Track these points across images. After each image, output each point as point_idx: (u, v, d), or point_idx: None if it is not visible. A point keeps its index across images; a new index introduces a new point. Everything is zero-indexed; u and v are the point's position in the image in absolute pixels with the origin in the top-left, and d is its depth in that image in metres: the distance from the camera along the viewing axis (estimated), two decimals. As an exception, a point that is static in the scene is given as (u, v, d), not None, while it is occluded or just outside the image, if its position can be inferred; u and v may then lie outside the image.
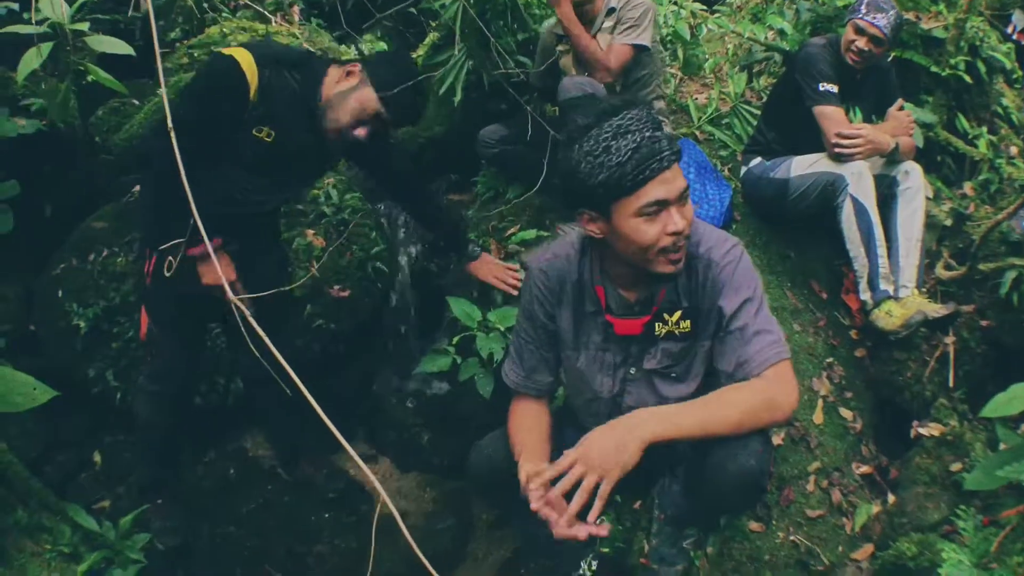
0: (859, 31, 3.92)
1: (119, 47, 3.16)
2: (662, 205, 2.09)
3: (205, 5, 5.15)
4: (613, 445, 1.99)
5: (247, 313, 1.72)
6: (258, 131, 2.86)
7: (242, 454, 4.19)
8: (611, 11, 3.99)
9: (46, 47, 3.29)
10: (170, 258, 2.95)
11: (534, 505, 2.08)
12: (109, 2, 5.07)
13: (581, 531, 2.01)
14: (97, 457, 4.12)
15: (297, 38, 5.50)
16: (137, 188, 3.17)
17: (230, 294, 1.80)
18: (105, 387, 4.02)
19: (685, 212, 2.13)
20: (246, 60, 2.80)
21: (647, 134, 2.05)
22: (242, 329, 1.79)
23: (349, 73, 2.91)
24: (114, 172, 4.57)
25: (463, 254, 3.83)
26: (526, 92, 4.39)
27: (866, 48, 3.92)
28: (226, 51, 2.85)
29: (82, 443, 4.18)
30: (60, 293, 4.09)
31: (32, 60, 3.25)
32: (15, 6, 3.88)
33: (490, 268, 3.82)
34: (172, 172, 2.85)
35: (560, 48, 4.08)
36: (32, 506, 2.72)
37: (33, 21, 3.39)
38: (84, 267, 4.12)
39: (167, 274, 2.94)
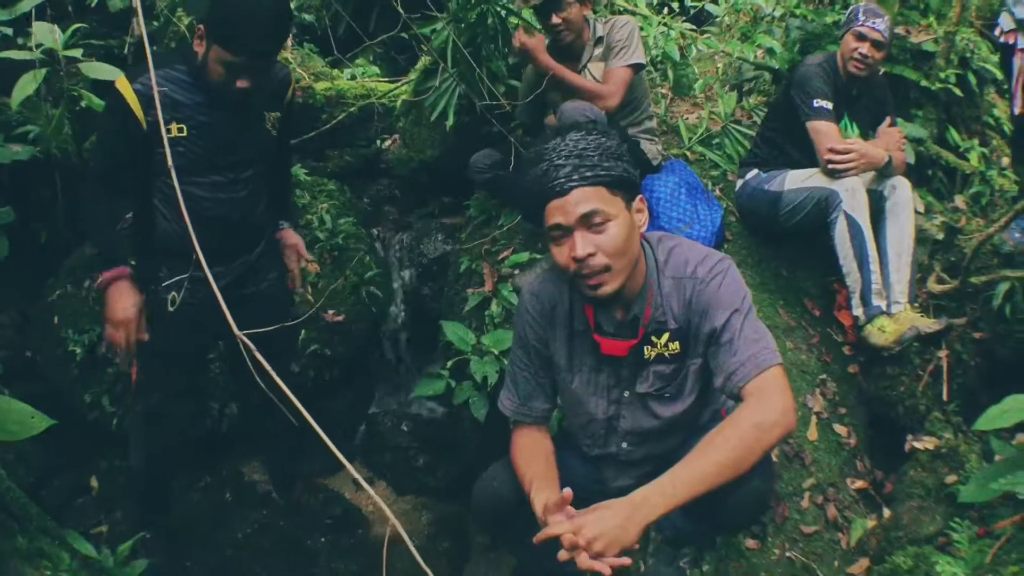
0: (861, 38, 3.97)
1: (112, 73, 3.17)
2: (564, 230, 2.14)
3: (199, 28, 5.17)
4: (615, 526, 1.93)
5: (253, 348, 1.71)
6: (168, 132, 2.82)
7: (238, 478, 4.18)
8: (599, 40, 4.03)
9: (41, 73, 3.31)
10: (173, 293, 2.96)
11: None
12: (103, 28, 5.09)
13: (604, 566, 1.98)
14: (94, 482, 4.11)
15: (290, 62, 5.54)
16: (129, 216, 3.17)
17: (236, 330, 1.77)
18: (101, 413, 4.03)
19: (594, 239, 2.13)
20: (122, 84, 2.80)
21: (556, 162, 2.12)
22: (247, 361, 1.78)
23: (199, 38, 2.83)
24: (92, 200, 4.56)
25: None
26: (513, 119, 4.41)
27: (869, 53, 3.96)
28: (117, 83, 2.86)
29: (79, 468, 4.17)
30: (56, 319, 4.12)
31: (27, 86, 3.28)
32: (8, 31, 3.90)
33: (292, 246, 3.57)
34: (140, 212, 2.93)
35: (546, 84, 4.07)
36: (31, 531, 2.71)
37: (33, 47, 3.42)
38: (79, 294, 4.14)
39: (171, 308, 2.95)
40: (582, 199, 2.11)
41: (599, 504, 2.01)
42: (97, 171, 2.94)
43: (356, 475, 1.55)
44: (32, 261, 4.27)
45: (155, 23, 5.40)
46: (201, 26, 2.79)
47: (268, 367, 1.67)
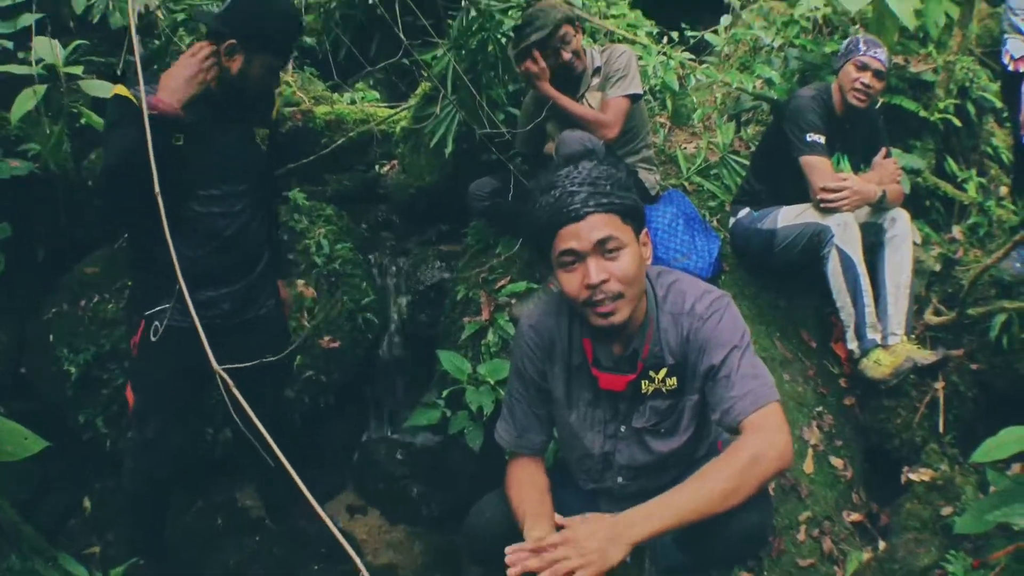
0: (863, 68, 3.96)
1: (109, 90, 3.18)
2: (576, 256, 2.14)
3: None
4: (603, 540, 1.93)
5: (231, 384, 1.71)
6: (176, 139, 2.86)
7: (231, 504, 4.17)
8: (597, 70, 4.06)
9: (41, 89, 3.31)
10: (156, 323, 2.96)
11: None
12: (104, 45, 5.09)
13: None
14: (87, 503, 4.12)
15: (290, 86, 5.56)
16: (127, 236, 3.17)
17: (215, 365, 1.78)
18: (95, 433, 4.03)
19: (608, 266, 2.14)
20: (120, 90, 2.85)
21: (570, 188, 2.12)
22: (224, 397, 1.78)
23: (228, 54, 2.92)
24: (104, 216, 4.58)
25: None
26: (512, 148, 4.43)
27: (871, 83, 3.96)
28: (112, 92, 2.91)
29: (72, 488, 4.17)
30: (51, 337, 4.12)
31: (27, 101, 3.28)
32: (9, 45, 3.90)
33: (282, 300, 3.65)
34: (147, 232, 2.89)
35: (545, 114, 4.08)
36: (24, 552, 2.70)
37: (33, 62, 3.42)
38: (75, 312, 4.14)
39: (152, 339, 2.94)
40: (598, 225, 2.11)
41: (587, 517, 2.02)
42: (106, 169, 2.88)
43: (315, 506, 1.53)
44: (29, 278, 4.28)
45: (156, 42, 5.42)
46: (232, 41, 2.89)
47: (242, 400, 1.67)
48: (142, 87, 2.28)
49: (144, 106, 2.33)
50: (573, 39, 3.97)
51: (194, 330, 2.94)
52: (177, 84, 2.80)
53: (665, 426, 2.41)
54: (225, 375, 1.75)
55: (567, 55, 3.96)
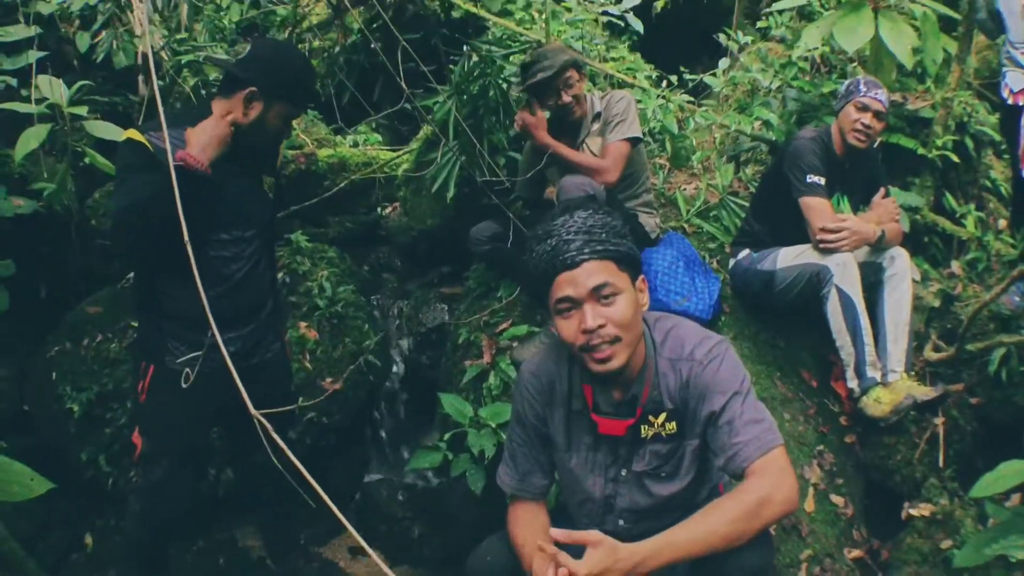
0: (863, 109, 3.99)
1: (114, 132, 3.22)
2: (573, 303, 2.18)
3: (203, 92, 5.24)
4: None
5: (271, 431, 1.75)
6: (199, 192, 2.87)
7: (232, 544, 4.16)
8: (596, 115, 4.10)
9: (44, 128, 3.34)
10: (187, 370, 2.96)
11: None
12: (107, 84, 5.15)
13: None
14: (88, 539, 4.12)
15: (294, 128, 5.62)
16: (133, 276, 3.20)
17: (252, 409, 1.82)
18: (97, 471, 4.04)
19: (603, 311, 2.17)
20: (133, 134, 2.87)
21: (565, 236, 2.17)
22: (263, 440, 1.81)
23: (247, 101, 2.96)
24: (109, 256, 4.63)
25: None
26: (513, 193, 4.47)
27: (871, 124, 3.99)
28: (124, 135, 2.93)
29: (74, 524, 4.18)
30: (54, 375, 4.14)
31: (30, 140, 3.31)
32: (13, 81, 3.93)
33: None
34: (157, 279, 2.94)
35: (546, 160, 4.11)
36: (28, 587, 2.72)
37: (32, 101, 3.46)
38: (78, 351, 4.17)
39: (184, 385, 2.95)
40: (593, 272, 2.16)
41: (596, 543, 2.02)
42: (120, 212, 2.86)
43: (368, 548, 1.56)
44: (33, 315, 4.31)
45: (160, 82, 5.48)
46: (253, 88, 2.93)
47: (284, 447, 1.70)
48: (166, 136, 2.32)
49: (171, 158, 2.38)
50: (576, 83, 4.02)
51: (203, 373, 2.99)
52: (208, 141, 2.83)
53: (666, 470, 2.42)
54: (264, 420, 1.78)
55: (567, 98, 4.01)
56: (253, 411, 1.75)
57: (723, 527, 2.02)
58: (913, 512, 3.33)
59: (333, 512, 1.58)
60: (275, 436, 1.71)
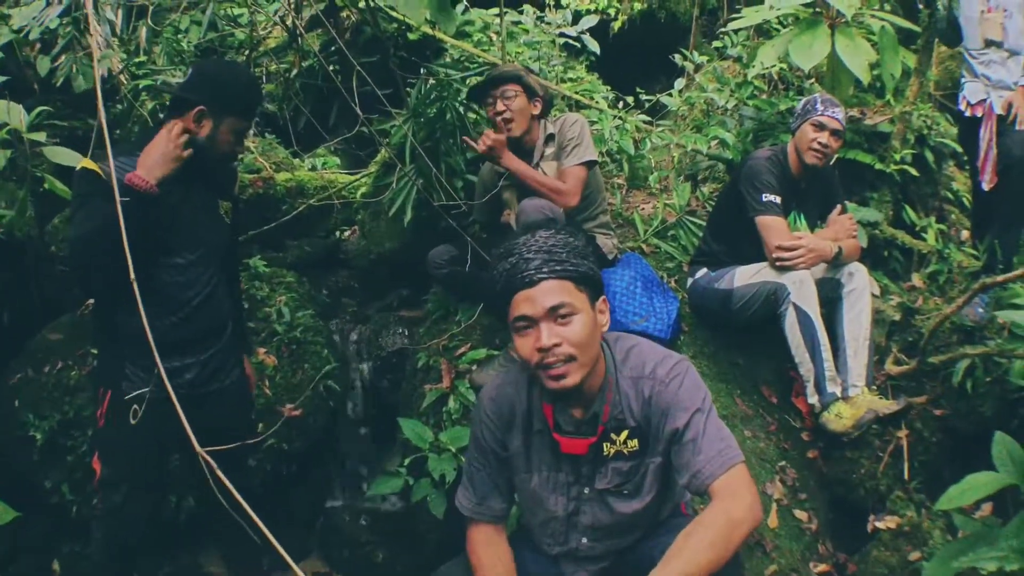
0: (820, 127, 4.00)
1: (73, 159, 3.19)
2: (530, 321, 2.18)
3: (160, 116, 5.20)
4: None
5: (214, 465, 1.71)
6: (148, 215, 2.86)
7: (196, 570, 4.12)
8: (550, 137, 4.08)
9: (4, 154, 3.31)
10: (135, 407, 2.91)
11: None
12: (67, 109, 5.11)
13: None
14: (56, 565, 4.08)
15: (252, 152, 5.58)
16: (91, 302, 3.17)
17: (197, 447, 1.79)
18: (61, 499, 3.99)
19: (559, 331, 2.17)
20: (88, 163, 2.87)
21: (525, 255, 2.19)
22: (207, 475, 1.78)
23: (196, 120, 2.97)
24: (69, 283, 4.54)
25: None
26: (470, 216, 4.46)
27: (828, 143, 4.00)
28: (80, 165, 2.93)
29: (42, 550, 4.14)
30: (17, 403, 4.09)
31: (-10, 166, 3.29)
32: None
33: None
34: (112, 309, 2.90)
35: (502, 183, 4.13)
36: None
37: (-7, 126, 3.43)
38: (39, 379, 4.12)
39: (132, 422, 2.90)
40: (550, 291, 2.16)
41: None
42: (74, 241, 2.87)
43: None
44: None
45: (119, 107, 5.43)
46: (201, 107, 2.94)
47: (227, 483, 1.66)
48: (111, 162, 2.29)
49: (115, 183, 2.35)
50: (515, 98, 4.00)
51: (161, 400, 2.94)
52: (154, 162, 2.82)
53: (628, 488, 2.41)
54: (209, 458, 1.75)
55: (501, 106, 3.99)
56: (198, 449, 1.72)
57: (703, 556, 2.01)
58: (879, 525, 3.35)
59: (277, 547, 1.53)
60: (220, 475, 1.67)
